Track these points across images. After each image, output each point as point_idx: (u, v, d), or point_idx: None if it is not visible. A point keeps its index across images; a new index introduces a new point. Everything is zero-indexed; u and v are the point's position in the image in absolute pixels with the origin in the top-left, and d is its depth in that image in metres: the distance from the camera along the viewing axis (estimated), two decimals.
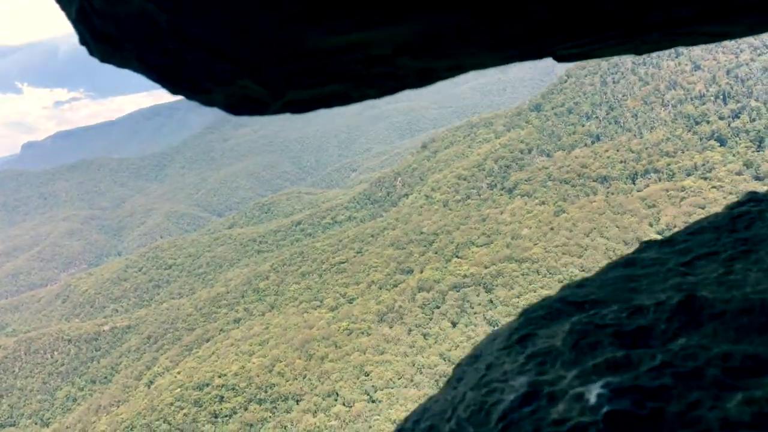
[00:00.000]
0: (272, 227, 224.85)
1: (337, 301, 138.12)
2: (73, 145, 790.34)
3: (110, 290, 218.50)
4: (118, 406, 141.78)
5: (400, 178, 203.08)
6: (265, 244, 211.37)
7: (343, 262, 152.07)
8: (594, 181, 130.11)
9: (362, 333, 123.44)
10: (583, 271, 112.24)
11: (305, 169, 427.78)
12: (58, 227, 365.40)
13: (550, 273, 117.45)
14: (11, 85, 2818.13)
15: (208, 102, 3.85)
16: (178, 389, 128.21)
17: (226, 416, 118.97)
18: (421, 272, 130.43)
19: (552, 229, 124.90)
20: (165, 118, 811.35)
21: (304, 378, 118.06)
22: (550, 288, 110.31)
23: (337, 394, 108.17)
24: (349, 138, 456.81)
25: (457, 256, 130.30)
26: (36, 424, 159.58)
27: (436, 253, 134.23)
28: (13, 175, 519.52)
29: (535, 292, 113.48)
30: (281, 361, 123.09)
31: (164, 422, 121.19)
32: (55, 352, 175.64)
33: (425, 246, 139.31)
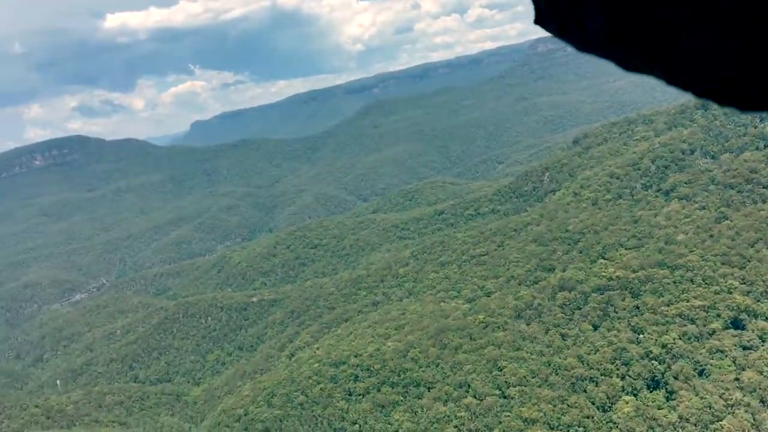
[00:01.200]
0: (415, 215, 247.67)
1: (474, 293, 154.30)
2: (236, 125, 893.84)
3: (260, 264, 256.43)
4: (261, 374, 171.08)
5: (548, 174, 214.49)
6: (407, 231, 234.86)
7: (484, 255, 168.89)
8: (764, 188, 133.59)
9: (498, 327, 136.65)
10: (744, 283, 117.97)
11: (451, 159, 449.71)
12: (218, 202, 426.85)
13: (706, 283, 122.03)
14: (185, 67, 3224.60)
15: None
16: (317, 364, 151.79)
17: (359, 395, 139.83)
18: (564, 271, 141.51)
19: (711, 236, 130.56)
20: (319, 103, 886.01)
21: (437, 366, 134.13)
22: (705, 298, 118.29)
23: (469, 386, 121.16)
24: (497, 130, 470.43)
25: (603, 258, 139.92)
26: (188, 382, 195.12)
27: (580, 252, 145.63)
28: (183, 150, 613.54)
29: (687, 302, 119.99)
30: (416, 348, 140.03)
31: (302, 394, 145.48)
32: (209, 318, 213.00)
33: (570, 245, 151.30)
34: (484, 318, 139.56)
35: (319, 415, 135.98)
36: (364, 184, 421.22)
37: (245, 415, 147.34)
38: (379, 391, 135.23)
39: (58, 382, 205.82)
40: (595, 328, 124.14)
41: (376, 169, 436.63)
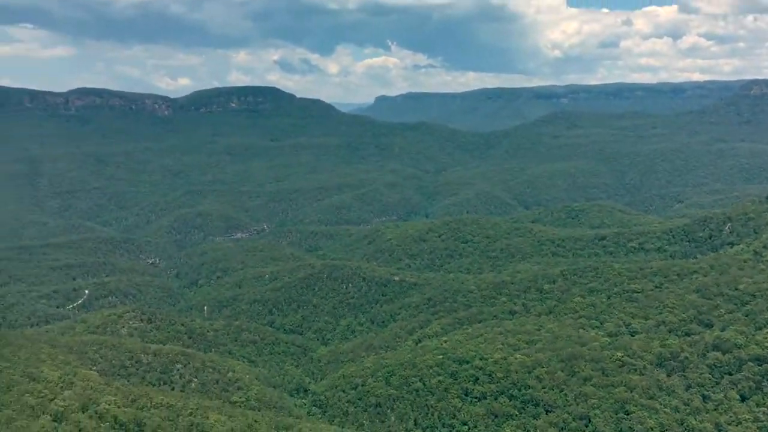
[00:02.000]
0: (574, 234, 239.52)
1: (618, 329, 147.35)
2: (418, 107, 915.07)
3: (409, 246, 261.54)
4: (386, 351, 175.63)
5: (729, 224, 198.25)
6: (563, 248, 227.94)
7: (638, 292, 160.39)
8: None
9: (635, 370, 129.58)
10: None
11: (626, 185, 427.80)
12: (384, 177, 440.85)
13: None
14: (383, 41, 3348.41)
15: None
16: (441, 356, 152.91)
17: (475, 398, 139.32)
18: (723, 330, 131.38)
19: None
20: (505, 102, 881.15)
21: (560, 391, 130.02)
22: None
23: (590, 421, 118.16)
24: (684, 166, 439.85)
25: None
26: (317, 340, 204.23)
27: (746, 315, 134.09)
28: (364, 121, 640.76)
29: None
30: (543, 367, 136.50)
31: (420, 381, 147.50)
32: (350, 285, 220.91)
33: (736, 304, 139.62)
34: (622, 356, 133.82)
35: (432, 406, 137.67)
36: (529, 192, 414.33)
37: (362, 385, 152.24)
38: (496, 399, 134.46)
39: (205, 308, 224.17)
40: (743, 399, 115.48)
41: (545, 179, 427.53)
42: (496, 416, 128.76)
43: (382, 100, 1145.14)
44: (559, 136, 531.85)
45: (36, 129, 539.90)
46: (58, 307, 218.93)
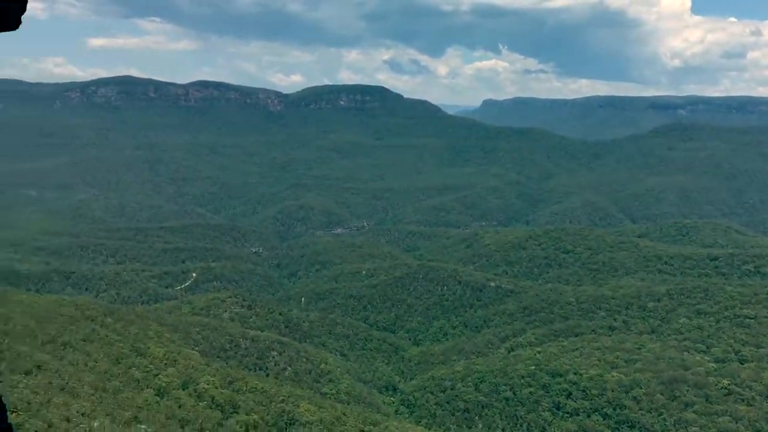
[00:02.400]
0: (684, 252, 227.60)
1: (726, 355, 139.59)
2: (525, 113, 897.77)
3: (508, 252, 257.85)
4: (477, 357, 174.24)
5: None
6: (670, 266, 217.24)
7: (751, 318, 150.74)
8: None
9: (743, 400, 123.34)
10: None
11: (744, 205, 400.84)
12: (486, 181, 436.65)
13: None
14: (494, 45, 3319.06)
15: None
16: (534, 367, 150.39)
17: (567, 413, 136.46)
18: None
19: None
20: (616, 111, 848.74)
21: (659, 415, 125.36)
22: None
23: None
24: None
25: None
26: (409, 339, 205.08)
27: None
28: (470, 124, 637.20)
29: None
30: (641, 388, 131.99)
31: (510, 390, 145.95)
32: (445, 287, 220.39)
33: None
34: (729, 384, 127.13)
35: (521, 417, 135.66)
36: (637, 205, 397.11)
37: (451, 389, 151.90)
38: (588, 416, 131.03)
39: (302, 299, 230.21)
40: None
41: (655, 193, 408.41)
42: None
43: (489, 103, 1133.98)
44: (673, 149, 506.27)
45: (158, 118, 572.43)
46: (167, 288, 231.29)
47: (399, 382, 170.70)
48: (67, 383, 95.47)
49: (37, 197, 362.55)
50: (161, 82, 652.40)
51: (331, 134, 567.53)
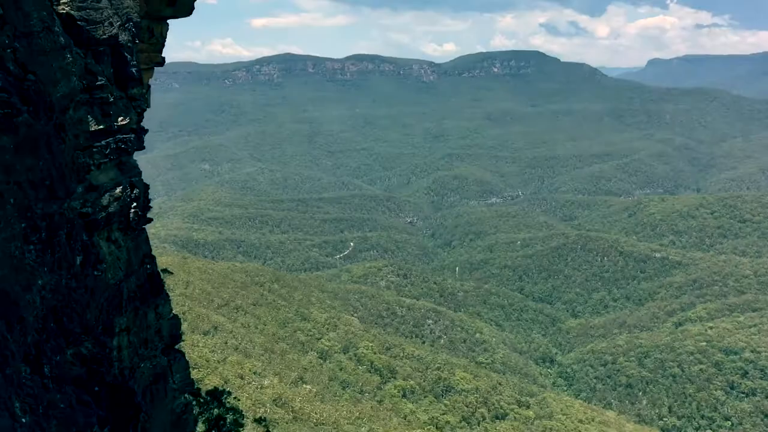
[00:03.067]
0: None
1: None
2: (696, 71, 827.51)
3: (675, 222, 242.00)
4: (641, 331, 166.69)
5: None
6: None
7: None
8: None
9: None
10: None
11: None
12: (651, 146, 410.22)
13: None
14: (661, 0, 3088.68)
15: None
16: (704, 343, 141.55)
17: (743, 393, 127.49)
18: None
19: None
20: None
21: None
22: None
23: None
24: None
25: None
26: (567, 311, 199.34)
27: None
28: (632, 86, 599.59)
29: None
30: None
31: (678, 367, 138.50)
32: (606, 258, 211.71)
33: None
34: None
35: (690, 395, 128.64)
36: None
37: (612, 363, 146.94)
38: (767, 398, 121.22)
39: (456, 269, 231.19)
40: None
41: None
42: (767, 416, 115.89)
43: (654, 63, 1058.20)
44: None
45: (316, 92, 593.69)
46: (327, 256, 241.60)
47: (556, 354, 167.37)
48: (240, 344, 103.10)
49: (210, 170, 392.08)
50: (319, 57, 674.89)
51: (485, 102, 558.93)
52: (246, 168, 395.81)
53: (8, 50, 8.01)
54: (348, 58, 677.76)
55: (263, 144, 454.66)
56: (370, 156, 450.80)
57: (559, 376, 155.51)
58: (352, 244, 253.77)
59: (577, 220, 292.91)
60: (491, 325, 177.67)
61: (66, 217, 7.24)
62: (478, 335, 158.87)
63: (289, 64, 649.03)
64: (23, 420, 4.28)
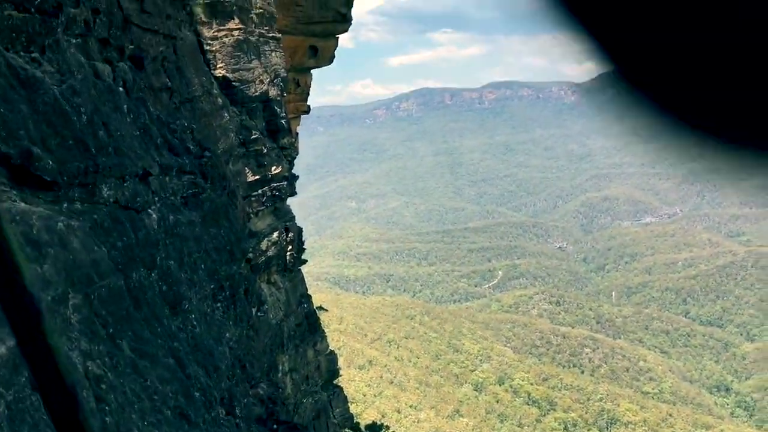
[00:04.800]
0: None
1: None
2: None
3: None
4: None
5: None
6: None
7: None
8: None
9: None
10: None
11: None
12: None
13: None
14: None
15: None
16: None
17: None
18: None
19: None
20: None
21: None
22: None
23: None
24: None
25: None
26: (741, 334, 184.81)
27: None
28: None
29: None
30: None
31: None
32: None
33: None
34: None
35: None
36: None
37: None
38: None
39: (613, 293, 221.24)
40: None
41: None
42: None
43: None
44: None
45: (455, 123, 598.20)
46: (475, 286, 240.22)
47: (732, 381, 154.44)
48: (394, 377, 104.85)
49: (356, 207, 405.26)
50: (456, 88, 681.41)
51: (631, 118, 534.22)
52: (390, 203, 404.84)
53: (188, 131, 9.34)
54: (485, 87, 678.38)
55: (406, 178, 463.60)
56: (513, 182, 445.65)
57: (738, 406, 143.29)
58: (500, 272, 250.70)
59: (746, 235, 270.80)
60: (656, 352, 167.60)
61: (243, 275, 8.30)
62: (641, 363, 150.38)
63: (426, 97, 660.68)
64: None
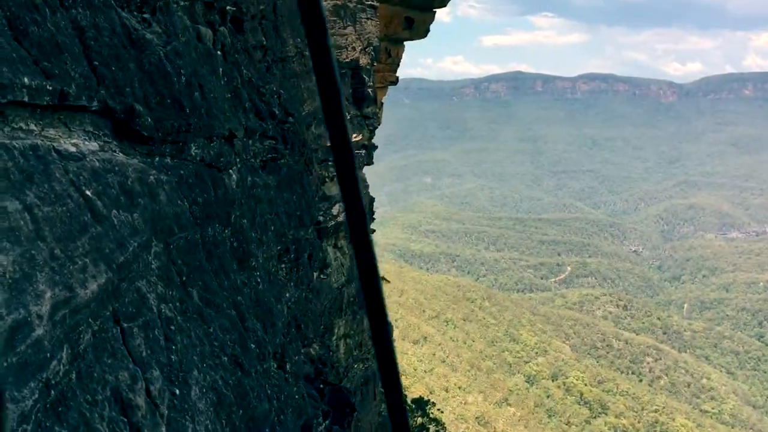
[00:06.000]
0: None
1: None
2: None
3: None
4: None
5: None
6: None
7: None
8: None
9: None
10: None
11: None
12: None
13: None
14: None
15: None
16: None
17: None
18: None
19: None
20: None
21: None
22: None
23: None
24: None
25: None
26: None
27: None
28: None
29: None
30: None
31: None
32: None
33: None
34: None
35: None
36: None
37: None
38: None
39: (685, 306, 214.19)
40: None
41: None
42: None
43: None
44: None
45: (543, 111, 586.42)
46: (541, 278, 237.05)
47: None
48: (447, 357, 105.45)
49: (431, 184, 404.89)
50: (549, 75, 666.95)
51: (730, 127, 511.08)
52: (466, 184, 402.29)
53: (275, 96, 9.77)
54: (580, 77, 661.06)
55: (485, 161, 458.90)
56: (595, 178, 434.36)
57: None
58: (569, 268, 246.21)
59: None
60: (721, 371, 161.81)
61: (309, 240, 8.72)
62: (704, 381, 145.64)
63: (517, 81, 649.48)
64: (270, 404, 5.55)
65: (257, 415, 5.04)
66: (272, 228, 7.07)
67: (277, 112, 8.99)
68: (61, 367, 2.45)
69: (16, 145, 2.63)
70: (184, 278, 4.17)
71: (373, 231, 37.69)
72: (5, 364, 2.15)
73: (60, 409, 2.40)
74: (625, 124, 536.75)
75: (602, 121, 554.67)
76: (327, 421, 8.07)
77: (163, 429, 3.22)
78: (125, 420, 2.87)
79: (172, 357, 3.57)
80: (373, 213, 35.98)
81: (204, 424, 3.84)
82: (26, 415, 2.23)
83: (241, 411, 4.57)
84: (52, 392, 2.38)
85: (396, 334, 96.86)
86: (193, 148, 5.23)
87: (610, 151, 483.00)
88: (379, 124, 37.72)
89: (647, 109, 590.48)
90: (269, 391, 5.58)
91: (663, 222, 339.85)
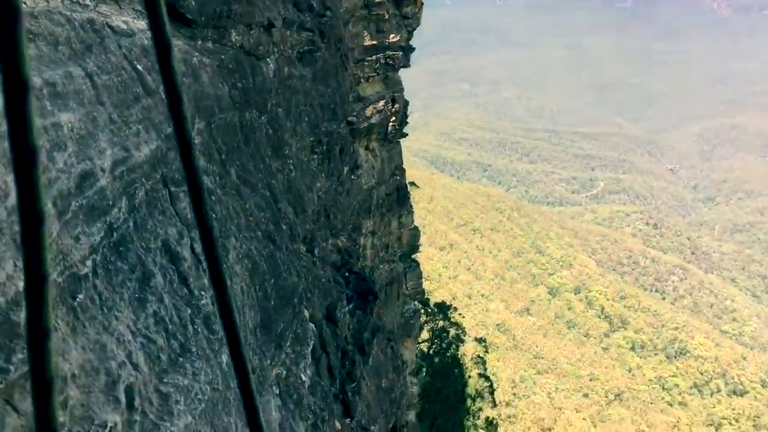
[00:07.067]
0: None
1: None
2: None
3: None
4: None
5: None
6: None
7: None
8: None
9: None
10: None
11: None
12: None
13: None
14: None
15: None
16: None
17: None
18: None
19: None
20: None
21: None
22: None
23: None
24: None
25: None
26: None
27: None
28: None
29: None
30: None
31: None
32: None
33: None
34: None
35: None
36: None
37: None
38: None
39: (716, 227, 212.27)
40: None
41: None
42: None
43: None
44: None
45: (591, 19, 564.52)
46: (573, 193, 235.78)
47: None
48: (472, 265, 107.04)
49: (468, 91, 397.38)
50: None
51: None
52: (504, 92, 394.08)
53: None
54: None
55: (526, 69, 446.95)
56: (638, 93, 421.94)
57: None
58: (602, 183, 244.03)
59: None
60: (746, 294, 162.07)
61: (341, 134, 8.96)
62: (728, 302, 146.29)
63: None
64: (299, 279, 6.01)
65: (287, 286, 5.50)
66: (306, 119, 7.32)
67: (314, 4, 9.04)
68: (121, 215, 2.90)
69: (76, 17, 2.95)
70: (223, 156, 4.52)
71: (406, 135, 37.68)
72: (77, 204, 2.60)
73: (121, 248, 2.85)
74: (676, 38, 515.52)
75: (652, 34, 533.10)
76: (351, 305, 8.60)
77: (206, 281, 3.69)
78: (174, 268, 3.31)
79: (213, 224, 3.69)
80: (406, 117, 35.89)
81: (239, 285, 4.15)
82: (95, 248, 2.69)
83: (273, 280, 5.02)
84: (114, 234, 2.83)
85: (423, 239, 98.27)
86: (234, 34, 5.44)
87: (657, 65, 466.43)
88: (417, 25, 36.93)
89: (700, 23, 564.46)
90: (299, 269, 6.03)
91: (703, 141, 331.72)
